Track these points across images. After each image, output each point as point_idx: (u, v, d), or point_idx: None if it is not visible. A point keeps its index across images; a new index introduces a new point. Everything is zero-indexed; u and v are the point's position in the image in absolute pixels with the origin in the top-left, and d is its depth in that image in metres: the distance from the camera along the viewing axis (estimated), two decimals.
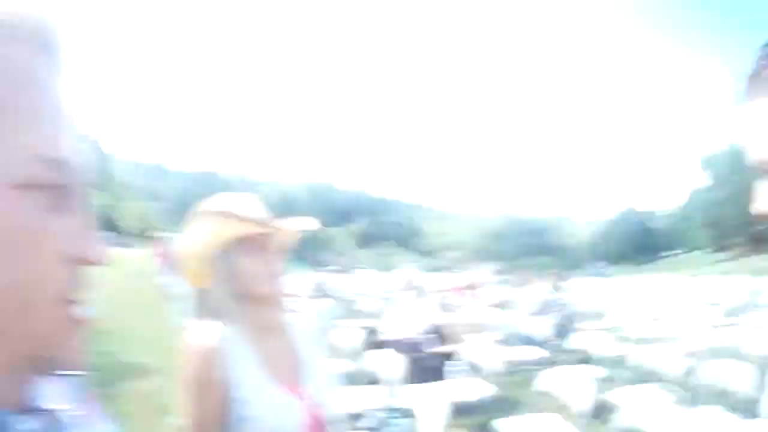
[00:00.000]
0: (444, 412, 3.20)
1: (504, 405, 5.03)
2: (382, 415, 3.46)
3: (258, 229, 1.34)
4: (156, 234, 14.32)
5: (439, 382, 4.69)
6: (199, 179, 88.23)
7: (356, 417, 3.54)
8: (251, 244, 1.34)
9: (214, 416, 1.27)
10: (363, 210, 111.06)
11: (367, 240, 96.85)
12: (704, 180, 65.90)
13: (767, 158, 0.59)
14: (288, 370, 1.41)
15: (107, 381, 5.58)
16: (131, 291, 14.26)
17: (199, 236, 1.37)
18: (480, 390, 4.58)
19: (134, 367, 6.34)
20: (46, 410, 0.48)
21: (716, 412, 3.98)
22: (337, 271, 19.02)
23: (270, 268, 1.36)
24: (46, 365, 0.45)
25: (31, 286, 0.40)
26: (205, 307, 1.40)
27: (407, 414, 3.36)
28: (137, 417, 4.71)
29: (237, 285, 1.36)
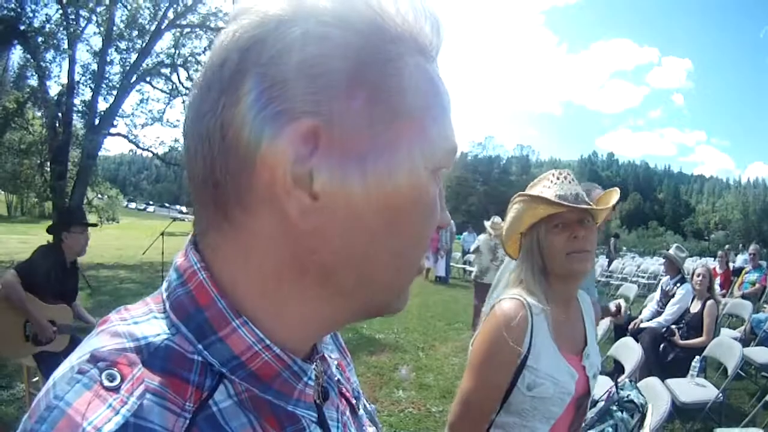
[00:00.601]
0: (664, 411, 3.13)
1: (728, 413, 4.80)
2: (609, 402, 3.51)
3: (561, 210, 1.50)
4: None
5: (675, 379, 4.54)
6: None
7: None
8: (557, 222, 1.53)
9: (501, 383, 1.47)
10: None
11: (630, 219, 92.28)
12: None
13: None
14: (574, 343, 1.61)
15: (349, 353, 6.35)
16: None
17: (513, 216, 1.59)
18: (709, 392, 4.35)
19: (377, 343, 6.89)
20: (324, 357, 0.58)
21: None
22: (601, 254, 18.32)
23: (575, 245, 1.51)
24: (381, 313, 0.55)
25: (421, 247, 0.50)
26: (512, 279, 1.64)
27: (633, 407, 3.35)
28: (366, 387, 5.09)
29: (542, 260, 1.56)
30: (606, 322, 5.36)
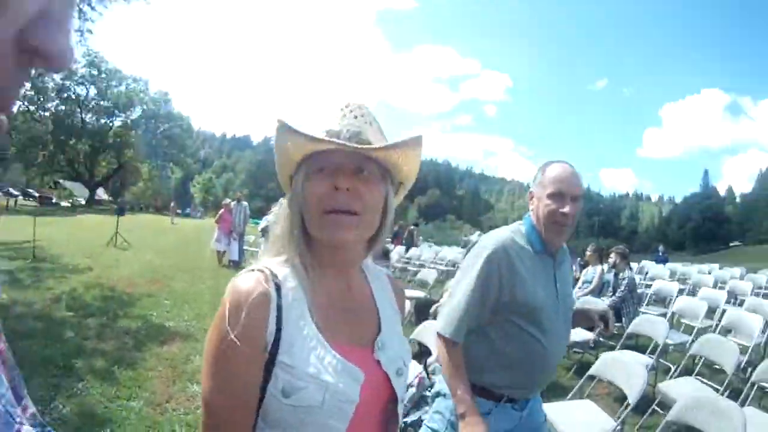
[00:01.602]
0: None
1: (550, 387, 4.93)
2: (421, 389, 3.36)
3: (323, 147, 1.03)
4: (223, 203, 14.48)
5: None
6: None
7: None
8: (322, 165, 1.05)
9: (246, 384, 0.98)
10: None
11: (429, 212, 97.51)
12: None
13: None
14: (359, 331, 1.13)
15: (139, 343, 5.68)
16: (188, 256, 14.56)
17: (278, 151, 1.10)
18: None
19: (167, 332, 6.37)
20: None
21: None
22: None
23: (334, 201, 1.02)
24: None
25: None
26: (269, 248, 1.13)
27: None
28: (159, 382, 4.70)
29: (301, 217, 1.07)
30: (408, 304, 5.25)
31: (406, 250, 16.81)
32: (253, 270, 1.03)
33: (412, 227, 20.22)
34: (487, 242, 2.07)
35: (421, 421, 2.90)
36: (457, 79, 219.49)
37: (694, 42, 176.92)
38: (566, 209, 1.99)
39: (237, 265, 12.65)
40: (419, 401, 3.15)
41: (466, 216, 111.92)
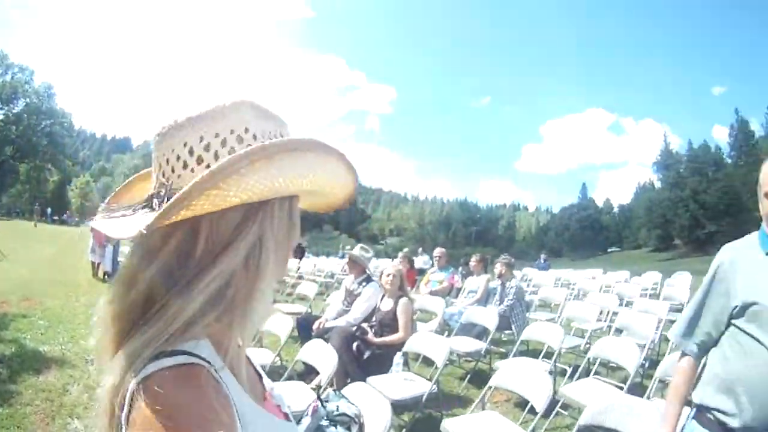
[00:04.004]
0: (387, 413, 2.93)
1: (446, 400, 4.92)
2: (317, 419, 3.10)
3: None
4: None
5: (380, 376, 4.44)
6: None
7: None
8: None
9: None
10: None
11: (309, 222, 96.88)
12: (653, 181, 71.38)
13: None
14: (255, 382, 0.93)
15: (14, 374, 5.09)
16: (63, 268, 13.64)
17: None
18: (422, 385, 4.37)
19: (42, 358, 5.79)
20: None
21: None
22: None
23: None
24: None
25: None
26: None
27: (347, 419, 3.00)
28: (37, 418, 4.24)
29: None
30: (289, 321, 5.15)
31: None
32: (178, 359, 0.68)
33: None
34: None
35: None
36: (345, 89, 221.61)
37: (578, 63, 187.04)
38: None
39: (111, 277, 11.94)
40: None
41: (343, 226, 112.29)
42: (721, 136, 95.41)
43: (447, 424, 3.49)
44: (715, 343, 1.87)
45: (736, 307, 1.78)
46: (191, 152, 0.74)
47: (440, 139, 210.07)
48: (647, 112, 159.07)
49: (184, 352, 0.68)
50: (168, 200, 0.66)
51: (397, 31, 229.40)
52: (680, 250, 59.55)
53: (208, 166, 0.72)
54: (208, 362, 0.69)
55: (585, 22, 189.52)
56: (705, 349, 1.91)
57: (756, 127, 68.18)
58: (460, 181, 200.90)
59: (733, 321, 1.81)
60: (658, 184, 75.66)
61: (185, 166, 0.74)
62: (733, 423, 1.70)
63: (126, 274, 0.75)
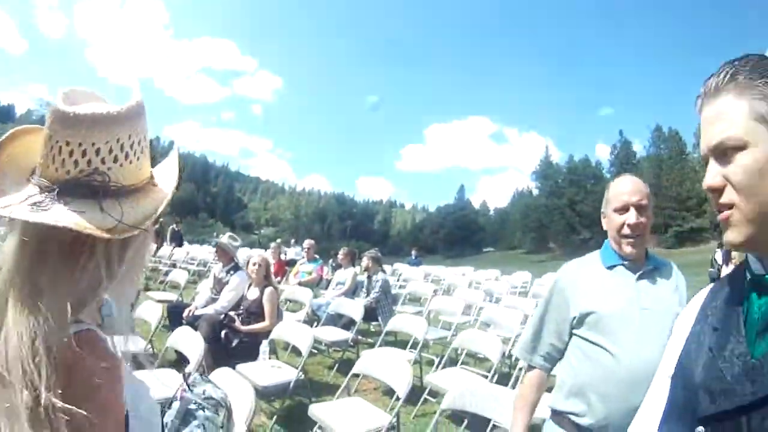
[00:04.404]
0: (251, 397, 2.94)
1: (315, 388, 5.00)
2: (186, 403, 3.00)
3: None
4: None
5: (247, 364, 4.44)
6: None
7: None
8: None
9: None
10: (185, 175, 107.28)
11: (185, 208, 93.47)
12: (531, 189, 75.17)
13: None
14: None
15: None
16: None
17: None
18: (289, 372, 4.38)
19: None
20: None
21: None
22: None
23: None
24: None
25: None
26: None
27: (215, 403, 2.94)
28: None
29: None
30: (161, 309, 5.21)
31: (157, 249, 15.46)
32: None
33: (174, 226, 19.06)
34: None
35: None
36: (232, 74, 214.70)
37: (469, 73, 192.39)
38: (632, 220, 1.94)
39: None
40: (186, 416, 2.85)
41: (219, 214, 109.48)
42: (603, 155, 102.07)
43: (314, 409, 3.54)
44: (562, 354, 2.01)
45: (575, 317, 1.93)
46: (122, 149, 0.82)
47: (323, 133, 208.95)
48: (533, 125, 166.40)
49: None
50: (108, 189, 0.83)
51: (292, 21, 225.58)
52: (554, 253, 62.61)
53: (130, 163, 0.85)
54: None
55: (478, 33, 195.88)
56: (552, 360, 2.04)
57: (638, 148, 73.82)
58: (338, 176, 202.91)
59: (574, 331, 1.95)
60: (535, 192, 79.14)
61: (116, 160, 0.82)
62: (585, 422, 1.83)
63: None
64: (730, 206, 0.85)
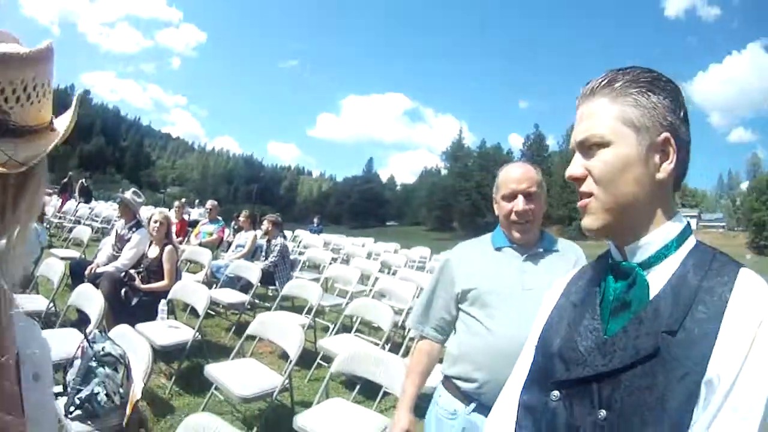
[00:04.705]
0: (148, 357, 3.01)
1: (212, 349, 5.11)
2: (86, 360, 3.05)
3: None
4: None
5: (146, 323, 4.47)
6: None
7: (59, 365, 3.12)
8: None
9: None
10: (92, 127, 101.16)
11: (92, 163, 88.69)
12: (440, 168, 76.07)
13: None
14: None
15: None
16: None
17: None
18: (186, 332, 4.48)
19: None
20: None
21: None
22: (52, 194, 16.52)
23: None
24: None
25: None
26: None
27: (114, 360, 3.01)
28: None
29: None
30: (62, 267, 5.11)
31: (61, 206, 15.08)
32: None
33: (83, 180, 18.30)
34: None
35: (95, 394, 2.76)
36: (155, 23, 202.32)
37: (394, 51, 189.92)
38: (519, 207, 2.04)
39: None
40: (87, 373, 2.91)
41: (127, 170, 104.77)
42: (516, 144, 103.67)
43: (210, 369, 3.66)
44: (452, 326, 2.18)
45: (458, 293, 2.08)
46: (25, 89, 0.79)
47: (240, 93, 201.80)
48: (450, 108, 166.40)
49: None
50: (7, 128, 0.79)
51: None
52: (457, 233, 63.40)
53: (32, 104, 0.81)
54: None
55: (411, 13, 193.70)
56: (442, 331, 2.20)
57: (551, 143, 76.48)
58: (250, 138, 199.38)
59: (460, 306, 2.10)
60: (444, 172, 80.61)
61: (18, 100, 0.79)
62: (467, 387, 2.00)
63: None
64: (590, 195, 0.95)
